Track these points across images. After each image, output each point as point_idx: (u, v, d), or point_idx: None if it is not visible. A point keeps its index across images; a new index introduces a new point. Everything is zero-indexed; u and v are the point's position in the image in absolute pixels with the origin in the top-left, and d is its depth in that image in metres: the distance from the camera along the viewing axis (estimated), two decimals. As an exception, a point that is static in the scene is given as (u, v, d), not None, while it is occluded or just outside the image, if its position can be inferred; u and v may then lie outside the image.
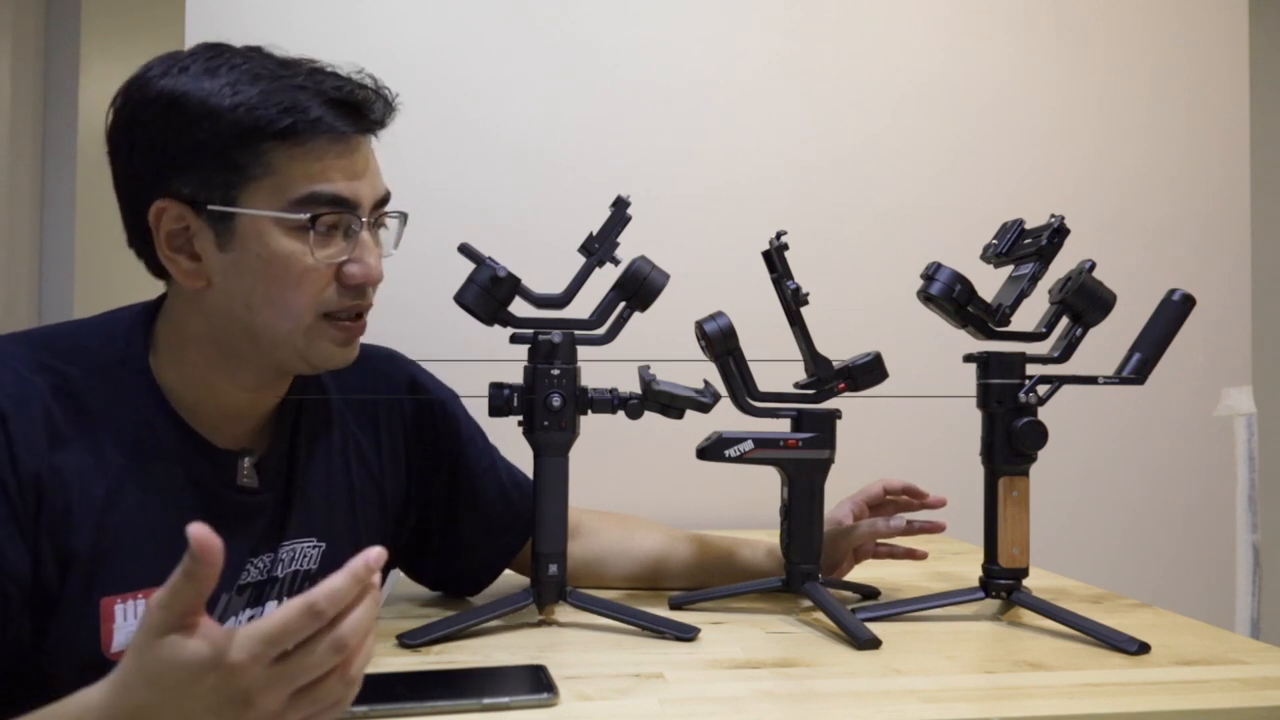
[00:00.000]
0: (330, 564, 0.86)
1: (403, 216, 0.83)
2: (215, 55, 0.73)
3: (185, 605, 0.50)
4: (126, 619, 0.72)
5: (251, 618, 0.81)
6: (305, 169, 0.72)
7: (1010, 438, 0.87)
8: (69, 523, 0.70)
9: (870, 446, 1.23)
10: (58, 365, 0.73)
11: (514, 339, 0.85)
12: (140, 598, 0.73)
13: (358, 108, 0.75)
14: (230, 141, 0.71)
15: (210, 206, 0.72)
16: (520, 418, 0.85)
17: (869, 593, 0.97)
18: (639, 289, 0.85)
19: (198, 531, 0.49)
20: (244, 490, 0.79)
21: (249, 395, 0.79)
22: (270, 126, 0.71)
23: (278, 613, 0.51)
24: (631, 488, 1.39)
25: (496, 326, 0.85)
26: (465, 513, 0.95)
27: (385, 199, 0.79)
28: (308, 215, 0.72)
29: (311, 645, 0.51)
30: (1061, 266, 0.90)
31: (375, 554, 0.52)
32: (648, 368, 0.88)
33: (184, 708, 0.51)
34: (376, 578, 0.53)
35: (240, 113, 0.71)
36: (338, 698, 0.54)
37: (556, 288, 0.86)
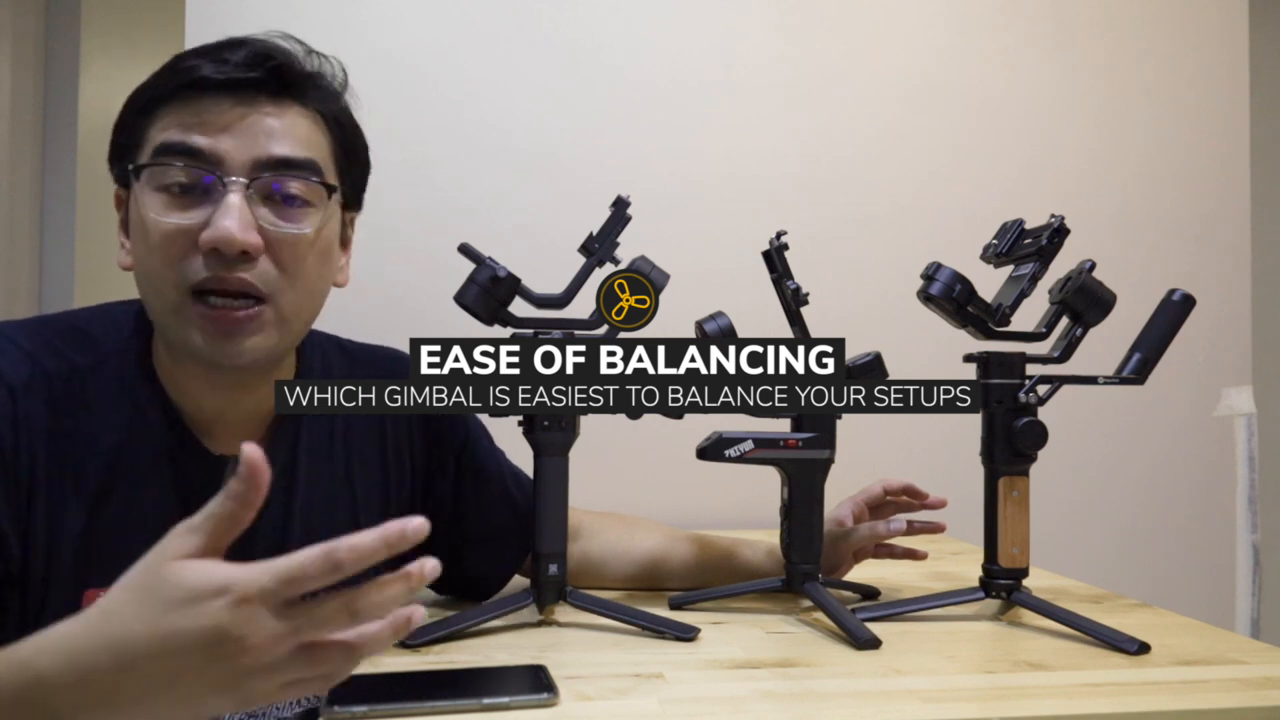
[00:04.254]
0: None
1: (329, 189, 0.76)
2: None
3: (217, 531, 0.48)
4: None
5: None
6: (164, 126, 0.71)
7: (1010, 438, 0.87)
8: (63, 510, 0.70)
9: (870, 446, 1.23)
10: (65, 352, 0.74)
11: (514, 339, 0.85)
12: None
13: (223, 60, 0.71)
14: (128, 119, 0.73)
15: (128, 186, 0.74)
16: (520, 418, 0.85)
17: (869, 593, 0.97)
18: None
19: (250, 451, 0.47)
20: None
21: (220, 394, 0.77)
22: (146, 93, 0.73)
23: (295, 555, 0.47)
24: (631, 488, 1.39)
25: (496, 326, 0.85)
26: (472, 516, 0.94)
27: (281, 163, 0.72)
28: (143, 164, 0.70)
29: (323, 599, 0.48)
30: (1061, 266, 0.90)
31: (416, 524, 0.48)
32: None
33: (171, 643, 0.46)
34: (426, 567, 0.49)
35: (138, 88, 0.74)
36: (333, 669, 0.50)
37: (556, 288, 0.86)
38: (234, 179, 0.70)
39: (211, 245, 0.69)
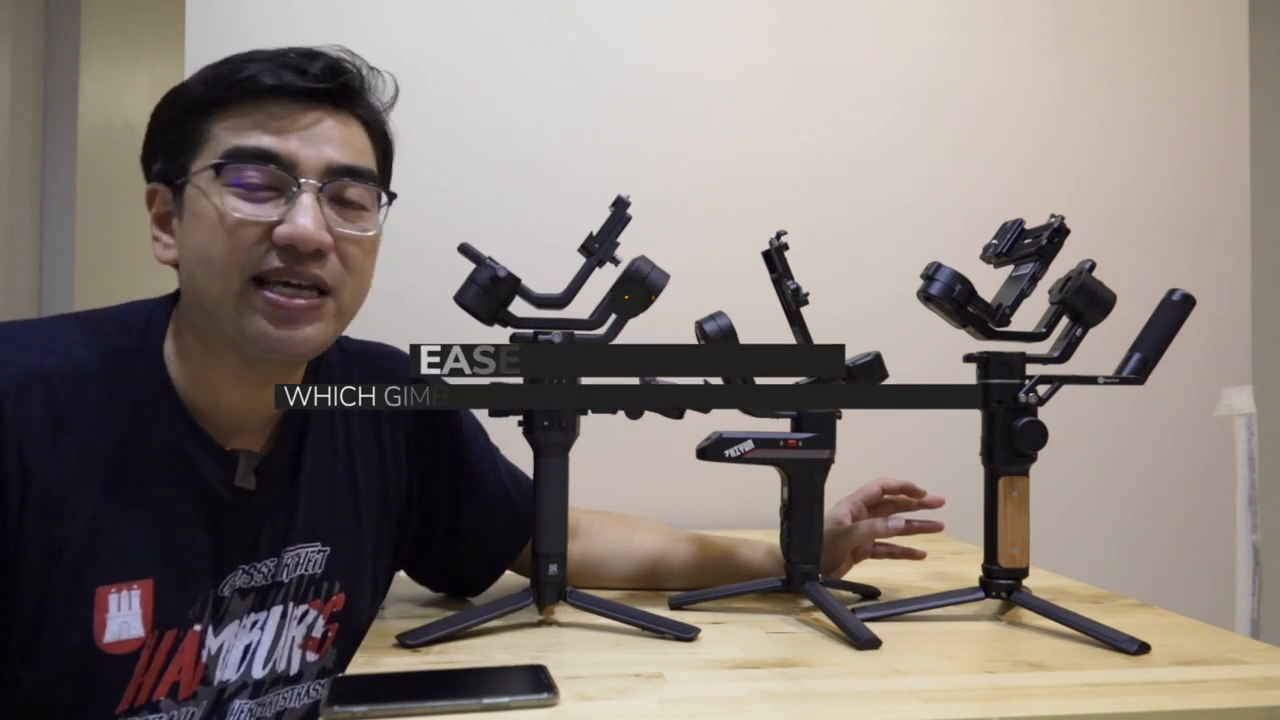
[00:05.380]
0: (335, 568, 0.86)
1: (389, 196, 0.81)
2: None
3: None
4: (120, 609, 0.72)
5: (255, 623, 0.81)
6: (234, 127, 0.74)
7: (1010, 438, 0.87)
8: (64, 510, 0.70)
9: (870, 446, 1.23)
10: (69, 349, 0.74)
11: (514, 339, 0.85)
12: (134, 588, 0.73)
13: (299, 69, 0.74)
14: (182, 117, 0.75)
15: (176, 182, 0.75)
16: (520, 417, 0.85)
17: (869, 593, 0.97)
18: (638, 289, 0.85)
19: None
20: (241, 492, 0.79)
21: (244, 390, 0.78)
22: (208, 94, 0.74)
23: None
24: (631, 488, 1.39)
25: (496, 326, 0.85)
26: (467, 513, 0.94)
27: (346, 171, 0.76)
28: (219, 163, 0.72)
29: None
30: (1061, 266, 0.90)
31: None
32: None
33: None
34: None
35: (192, 88, 0.75)
36: None
37: (556, 288, 0.86)
38: (308, 180, 0.74)
39: (289, 240, 0.72)
